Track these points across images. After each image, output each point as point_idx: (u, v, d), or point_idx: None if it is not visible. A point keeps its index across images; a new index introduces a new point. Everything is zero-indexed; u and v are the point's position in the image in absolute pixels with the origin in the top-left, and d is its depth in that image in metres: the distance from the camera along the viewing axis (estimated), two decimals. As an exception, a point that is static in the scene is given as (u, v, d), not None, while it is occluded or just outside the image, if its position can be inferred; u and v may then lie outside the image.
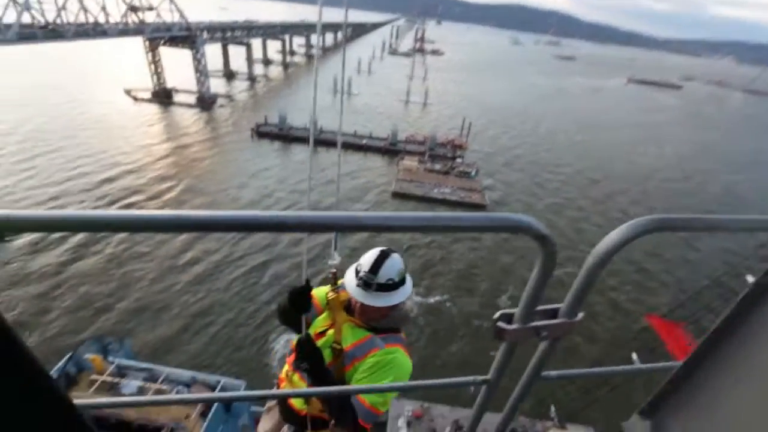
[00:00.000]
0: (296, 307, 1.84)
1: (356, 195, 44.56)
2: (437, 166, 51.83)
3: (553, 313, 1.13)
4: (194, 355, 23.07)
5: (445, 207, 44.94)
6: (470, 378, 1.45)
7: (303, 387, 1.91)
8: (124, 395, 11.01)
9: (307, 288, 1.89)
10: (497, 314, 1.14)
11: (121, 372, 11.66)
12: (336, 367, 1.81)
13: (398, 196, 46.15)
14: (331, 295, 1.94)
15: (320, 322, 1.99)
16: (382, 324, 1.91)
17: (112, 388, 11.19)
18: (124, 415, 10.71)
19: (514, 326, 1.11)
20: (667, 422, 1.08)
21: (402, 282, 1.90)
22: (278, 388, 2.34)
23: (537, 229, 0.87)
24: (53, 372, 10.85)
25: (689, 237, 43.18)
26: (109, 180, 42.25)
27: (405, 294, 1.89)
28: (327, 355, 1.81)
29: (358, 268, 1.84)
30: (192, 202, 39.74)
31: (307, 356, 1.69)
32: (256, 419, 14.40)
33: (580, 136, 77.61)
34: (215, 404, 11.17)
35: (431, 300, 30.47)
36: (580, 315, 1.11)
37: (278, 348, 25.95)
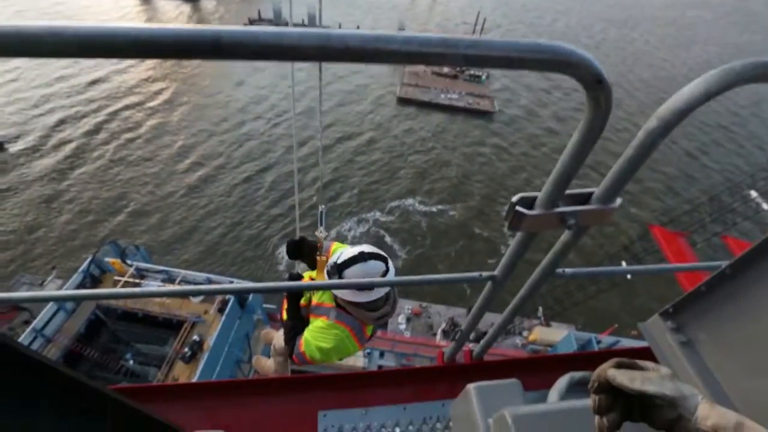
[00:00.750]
0: (292, 257, 2.36)
1: (357, 100, 42.65)
2: (445, 70, 48.56)
3: (585, 199, 0.93)
4: (202, 258, 24.63)
5: (451, 114, 43.30)
6: (475, 273, 1.33)
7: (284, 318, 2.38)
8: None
9: (300, 242, 2.35)
10: (516, 197, 0.92)
11: (141, 274, 12.59)
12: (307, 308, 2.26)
13: (403, 101, 44.10)
14: (320, 258, 2.18)
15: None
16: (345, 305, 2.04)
17: (135, 288, 12.21)
18: (150, 310, 11.91)
19: (535, 212, 0.90)
20: (690, 325, 0.96)
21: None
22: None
23: (593, 68, 0.62)
24: (79, 273, 11.73)
25: (694, 149, 42.32)
26: (97, 81, 40.21)
27: (369, 297, 1.90)
28: (307, 298, 2.26)
29: (338, 261, 1.90)
30: (183, 106, 38.40)
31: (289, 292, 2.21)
32: (269, 314, 15.97)
33: (601, 35, 70.94)
34: (231, 301, 12.22)
35: (433, 209, 31.33)
36: (618, 201, 0.91)
37: (281, 251, 27.64)
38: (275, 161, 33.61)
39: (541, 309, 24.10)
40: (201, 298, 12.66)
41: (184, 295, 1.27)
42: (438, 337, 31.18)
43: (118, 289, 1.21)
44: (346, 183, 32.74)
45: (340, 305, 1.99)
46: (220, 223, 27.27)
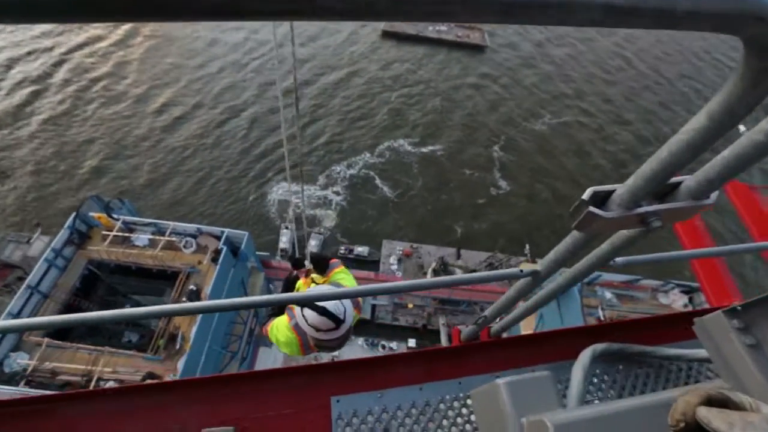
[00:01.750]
0: (296, 267, 3.00)
1: (334, 37, 39.78)
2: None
3: (667, 191, 0.77)
4: (194, 207, 24.32)
5: (439, 47, 40.97)
6: (515, 270, 1.23)
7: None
8: (137, 247, 12.02)
9: (301, 259, 2.97)
10: (588, 192, 0.76)
11: (128, 227, 12.40)
12: None
13: (388, 35, 41.36)
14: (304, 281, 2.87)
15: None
16: None
17: (125, 241, 12.08)
18: (143, 263, 11.94)
19: (612, 213, 0.74)
20: (761, 326, 0.80)
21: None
22: None
23: None
24: (65, 229, 11.49)
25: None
26: (58, 30, 36.39)
27: (325, 336, 2.42)
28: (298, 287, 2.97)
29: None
30: (159, 50, 35.46)
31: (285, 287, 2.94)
32: (262, 261, 16.20)
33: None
34: (224, 250, 12.27)
35: (425, 149, 30.84)
36: (714, 196, 0.75)
37: (274, 195, 27.37)
38: (249, 101, 32.04)
39: (528, 246, 24.99)
40: (193, 248, 12.67)
41: (191, 314, 1.17)
42: (428, 276, 32.53)
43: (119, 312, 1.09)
44: (328, 122, 31.69)
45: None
46: (199, 165, 26.61)
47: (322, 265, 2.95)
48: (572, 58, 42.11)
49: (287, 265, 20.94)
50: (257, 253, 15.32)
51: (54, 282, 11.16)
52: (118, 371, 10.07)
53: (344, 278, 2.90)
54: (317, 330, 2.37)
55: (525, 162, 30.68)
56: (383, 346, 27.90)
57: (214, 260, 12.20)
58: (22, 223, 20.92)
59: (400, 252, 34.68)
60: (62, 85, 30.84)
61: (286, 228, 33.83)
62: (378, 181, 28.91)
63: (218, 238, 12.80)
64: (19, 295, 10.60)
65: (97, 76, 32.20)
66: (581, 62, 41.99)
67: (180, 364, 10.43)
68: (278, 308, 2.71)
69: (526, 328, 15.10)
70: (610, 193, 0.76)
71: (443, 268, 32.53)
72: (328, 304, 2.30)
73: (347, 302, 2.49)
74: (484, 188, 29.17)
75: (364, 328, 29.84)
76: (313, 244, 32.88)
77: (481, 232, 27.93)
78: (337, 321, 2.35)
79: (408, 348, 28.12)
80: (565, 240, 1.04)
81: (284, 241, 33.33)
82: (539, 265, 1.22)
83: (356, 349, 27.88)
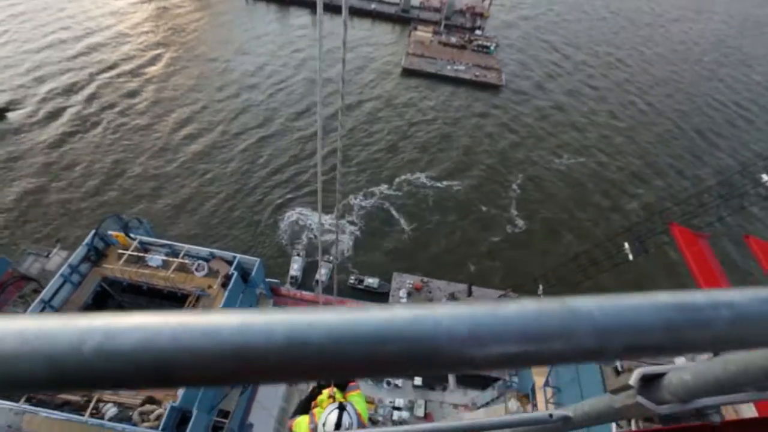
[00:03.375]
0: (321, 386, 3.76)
1: (359, 72, 41.38)
2: (453, 39, 46.81)
3: None
4: (206, 229, 24.70)
5: (456, 86, 42.13)
6: (544, 413, 1.11)
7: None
8: (151, 267, 12.17)
9: (307, 406, 3.67)
10: (635, 377, 0.66)
11: (144, 247, 12.61)
12: None
13: (408, 73, 42.81)
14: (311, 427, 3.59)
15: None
16: None
17: (139, 261, 12.25)
18: (155, 283, 12.03)
19: (665, 409, 0.64)
20: None
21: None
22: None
23: None
24: (83, 246, 11.76)
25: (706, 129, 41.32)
26: (90, 50, 39.00)
27: None
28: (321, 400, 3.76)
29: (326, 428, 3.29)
30: (181, 73, 37.37)
31: None
32: (272, 288, 16.15)
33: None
34: (234, 275, 12.29)
35: (443, 184, 31.04)
36: None
37: (284, 225, 27.64)
38: (272, 131, 33.12)
39: (541, 286, 24.32)
40: (205, 272, 12.75)
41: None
42: (438, 311, 31.72)
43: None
44: (349, 154, 32.33)
45: None
46: (218, 195, 27.22)
47: (343, 384, 3.90)
48: (601, 99, 42.52)
49: (296, 293, 20.92)
50: (267, 279, 15.30)
51: (67, 297, 11.30)
52: (119, 393, 9.93)
53: (358, 402, 3.89)
54: (323, 424, 3.34)
55: (543, 200, 30.54)
56: (388, 383, 26.98)
57: (224, 285, 12.22)
58: (45, 238, 21.57)
59: (410, 285, 34.19)
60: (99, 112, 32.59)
61: (298, 255, 33.94)
62: (394, 213, 29.03)
63: (230, 263, 12.88)
64: (32, 308, 10.74)
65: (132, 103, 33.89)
66: (608, 99, 42.48)
67: (180, 390, 10.27)
68: (303, 408, 3.84)
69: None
70: (660, 377, 0.64)
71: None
72: (344, 423, 3.26)
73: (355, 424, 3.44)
74: (500, 225, 28.93)
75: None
76: (323, 273, 32.83)
77: (494, 269, 27.47)
78: None
79: (414, 386, 27.13)
80: (603, 398, 0.89)
81: (295, 269, 33.32)
82: (571, 411, 1.10)
83: (362, 384, 27.02)
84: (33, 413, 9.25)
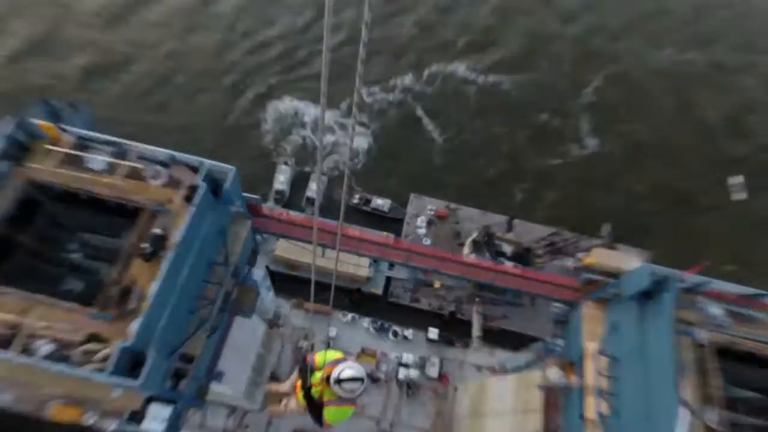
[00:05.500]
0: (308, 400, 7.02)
1: None
2: None
3: None
4: (165, 122, 24.43)
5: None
6: None
7: (300, 401, 7.65)
8: (92, 171, 12.15)
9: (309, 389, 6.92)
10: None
11: (83, 144, 12.47)
12: (318, 400, 6.79)
13: None
14: (318, 383, 6.59)
15: (315, 379, 6.78)
16: None
17: (77, 162, 12.21)
18: (96, 192, 12.10)
19: None
20: None
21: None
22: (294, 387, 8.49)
23: None
24: (0, 138, 11.66)
25: None
26: None
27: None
28: (316, 392, 6.77)
29: (341, 380, 6.09)
30: None
31: (314, 413, 6.91)
32: (251, 206, 16.31)
33: None
34: (202, 187, 12.32)
35: (490, 79, 29.50)
36: None
37: (270, 120, 27.13)
38: None
39: (609, 226, 24.22)
40: (163, 180, 12.74)
41: None
42: (466, 249, 32.42)
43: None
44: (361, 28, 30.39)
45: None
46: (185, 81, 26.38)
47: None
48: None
49: (282, 213, 21.13)
50: (245, 194, 15.34)
51: (-16, 203, 11.49)
52: (54, 328, 10.55)
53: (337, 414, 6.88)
54: (338, 377, 6.11)
55: (628, 112, 28.81)
56: (395, 333, 28.63)
57: (189, 199, 12.24)
58: None
59: (432, 212, 34.41)
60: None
61: (286, 164, 33.94)
62: (420, 115, 28.07)
63: (196, 170, 12.76)
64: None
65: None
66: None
67: (133, 327, 10.84)
68: (314, 412, 6.70)
69: (589, 337, 15.00)
70: None
71: (487, 241, 32.25)
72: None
73: (353, 398, 6.34)
74: (564, 142, 27.89)
75: (372, 306, 30.56)
76: (314, 189, 32.88)
77: (547, 200, 27.27)
78: (350, 396, 6.47)
79: (427, 340, 28.78)
80: None
81: (281, 181, 33.62)
82: None
83: (361, 333, 28.74)
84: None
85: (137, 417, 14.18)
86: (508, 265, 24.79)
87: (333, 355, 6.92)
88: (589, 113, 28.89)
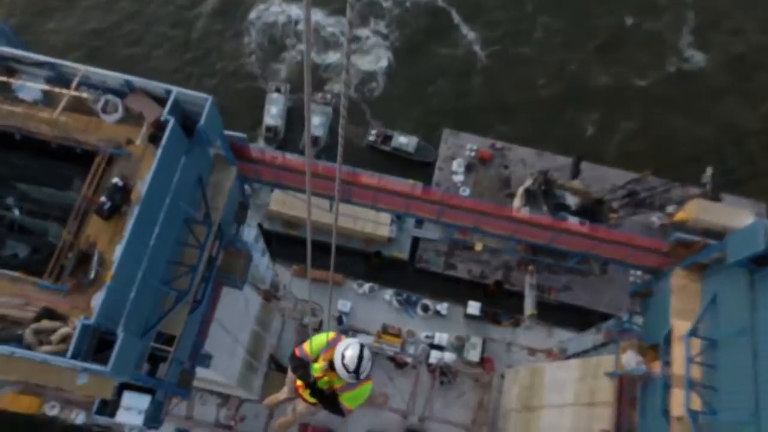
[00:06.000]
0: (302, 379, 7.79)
1: None
2: None
3: None
4: (116, 38, 24.07)
5: None
6: None
7: (311, 401, 8.08)
8: (24, 103, 12.06)
9: (308, 375, 7.54)
10: None
11: (7, 66, 12.34)
12: (329, 391, 7.61)
13: None
14: (322, 374, 7.32)
15: (317, 371, 7.34)
16: None
17: (3, 92, 12.12)
18: (35, 131, 12.05)
19: None
20: None
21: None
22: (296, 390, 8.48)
23: None
24: None
25: None
26: None
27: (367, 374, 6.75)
28: (323, 384, 7.45)
29: (346, 365, 6.57)
30: None
31: (330, 406, 7.83)
32: (234, 147, 16.16)
33: None
34: (170, 123, 12.17)
35: None
36: None
37: (254, 32, 26.64)
38: None
39: (710, 171, 23.32)
40: (118, 115, 12.63)
41: None
42: (516, 202, 31.99)
43: None
44: None
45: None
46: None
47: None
48: None
49: (276, 156, 20.80)
50: (226, 132, 15.16)
51: None
52: (-3, 303, 10.76)
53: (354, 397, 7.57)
54: (342, 362, 6.55)
55: (741, 16, 27.11)
56: (425, 308, 28.92)
57: (154, 139, 12.15)
58: None
59: (472, 154, 33.88)
60: None
61: (277, 91, 33.55)
62: (456, 19, 27.11)
63: (162, 101, 12.61)
64: None
65: None
66: None
67: (96, 300, 11.00)
68: (331, 406, 7.80)
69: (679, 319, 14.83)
70: None
71: (545, 190, 31.67)
72: (365, 357, 6.60)
73: (367, 375, 6.75)
74: (656, 57, 26.59)
75: (395, 274, 30.73)
76: (316, 124, 32.49)
77: (628, 134, 26.41)
78: (356, 373, 6.52)
79: (466, 316, 28.93)
80: None
81: (273, 114, 33.44)
82: None
83: (382, 307, 29.03)
84: None
85: (109, 408, 14.83)
86: (573, 221, 24.41)
87: (321, 339, 7.42)
88: (690, 17, 27.29)
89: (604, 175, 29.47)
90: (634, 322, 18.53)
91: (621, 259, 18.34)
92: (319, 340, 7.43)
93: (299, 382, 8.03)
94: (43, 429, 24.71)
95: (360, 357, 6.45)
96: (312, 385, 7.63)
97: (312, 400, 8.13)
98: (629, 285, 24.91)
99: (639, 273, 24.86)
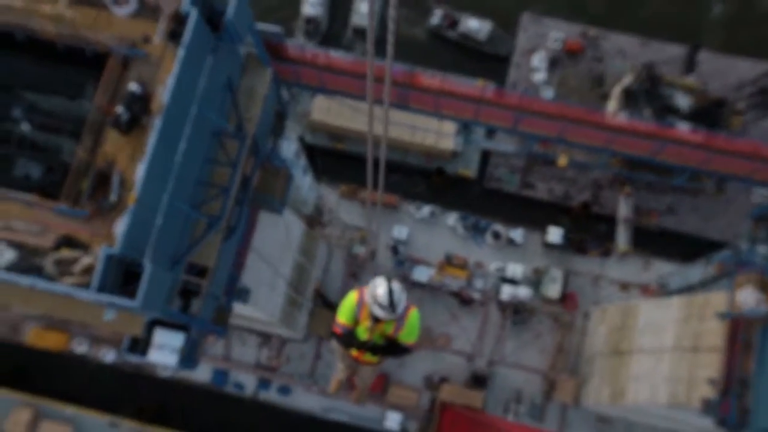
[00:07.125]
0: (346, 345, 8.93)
1: None
2: None
3: None
4: None
5: None
6: None
7: (375, 360, 9.56)
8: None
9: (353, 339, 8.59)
10: None
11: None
12: (386, 341, 8.49)
13: None
14: (370, 332, 8.14)
15: (364, 333, 8.28)
16: None
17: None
18: (37, 29, 12.25)
19: None
20: None
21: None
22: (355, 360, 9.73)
23: None
24: None
25: None
26: None
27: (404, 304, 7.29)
28: (378, 339, 8.41)
29: (381, 304, 7.10)
30: None
31: (394, 352, 8.85)
32: (269, 44, 16.14)
33: None
34: (193, 17, 12.17)
35: None
36: None
37: None
38: None
39: None
40: (132, 7, 12.69)
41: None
42: (613, 104, 30.95)
43: None
44: None
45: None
46: None
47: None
48: None
49: (318, 54, 20.46)
50: (259, 27, 15.10)
51: None
52: (12, 228, 11.33)
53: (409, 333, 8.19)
54: (375, 301, 7.05)
55: None
56: (496, 235, 28.87)
57: (174, 36, 12.20)
58: None
59: (559, 44, 32.78)
60: None
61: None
62: None
63: (180, -10, 12.57)
64: None
65: None
66: None
67: (119, 227, 11.43)
68: (391, 350, 8.64)
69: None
70: None
71: (649, 90, 30.47)
72: (396, 293, 6.94)
73: (403, 308, 7.25)
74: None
75: (461, 195, 30.61)
76: (363, 12, 31.85)
77: (760, 15, 24.90)
78: (393, 307, 7.02)
79: (545, 244, 28.75)
80: None
81: (313, 1, 32.93)
82: None
83: (444, 234, 29.15)
84: None
85: (140, 346, 15.60)
86: (684, 128, 23.47)
87: (348, 303, 8.21)
88: None
89: (729, 67, 28.02)
90: (755, 252, 18.11)
91: (744, 174, 17.76)
92: (348, 305, 8.24)
93: (353, 352, 9.03)
94: (74, 370, 26.39)
95: (390, 290, 7.03)
96: (369, 345, 8.50)
97: (374, 359, 9.28)
98: (752, 207, 24.19)
99: (766, 193, 24.16)
